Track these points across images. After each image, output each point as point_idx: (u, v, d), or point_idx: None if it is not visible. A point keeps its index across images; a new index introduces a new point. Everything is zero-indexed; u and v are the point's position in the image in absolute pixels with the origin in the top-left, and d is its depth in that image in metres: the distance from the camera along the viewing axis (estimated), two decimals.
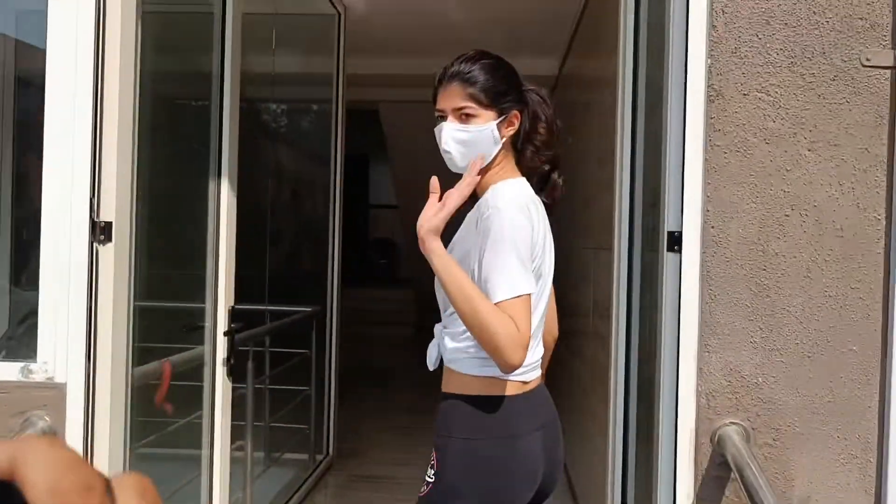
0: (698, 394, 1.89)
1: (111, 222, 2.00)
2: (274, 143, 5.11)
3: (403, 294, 11.23)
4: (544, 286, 1.71)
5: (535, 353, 1.71)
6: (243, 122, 2.72)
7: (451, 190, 1.62)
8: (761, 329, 1.88)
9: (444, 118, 1.69)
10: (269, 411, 4.07)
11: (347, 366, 5.10)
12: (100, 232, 1.98)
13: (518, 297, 1.52)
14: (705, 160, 1.88)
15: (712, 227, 1.88)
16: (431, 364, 1.76)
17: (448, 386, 1.71)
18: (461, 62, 1.68)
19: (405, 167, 8.41)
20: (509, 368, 1.54)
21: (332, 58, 4.92)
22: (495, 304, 1.52)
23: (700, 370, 1.89)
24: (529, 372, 1.69)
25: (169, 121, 2.64)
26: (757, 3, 1.85)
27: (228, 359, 2.64)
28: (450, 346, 1.70)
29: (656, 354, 2.01)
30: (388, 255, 13.86)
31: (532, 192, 1.73)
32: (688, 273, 1.90)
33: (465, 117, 1.66)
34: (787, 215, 1.87)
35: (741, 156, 1.87)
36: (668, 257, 1.95)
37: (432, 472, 1.65)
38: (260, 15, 4.27)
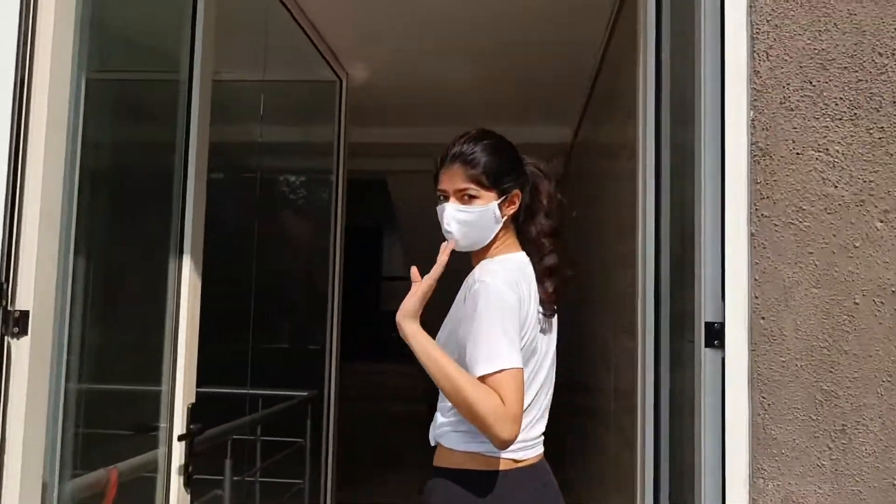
0: None
1: (28, 311, 1.66)
2: (267, 215, 4.82)
3: (417, 369, 10.77)
4: (542, 362, 1.69)
5: (535, 430, 1.67)
6: (227, 194, 2.41)
7: (427, 275, 1.63)
8: (830, 449, 1.48)
9: (446, 198, 1.71)
10: None
11: (353, 447, 4.67)
12: (13, 323, 1.64)
13: (502, 371, 1.49)
14: (751, 235, 1.52)
15: (762, 319, 1.50)
16: (432, 440, 1.73)
17: (436, 461, 1.68)
18: (463, 143, 1.70)
19: (415, 238, 8.13)
20: (502, 444, 1.50)
21: (333, 126, 4.66)
22: (478, 377, 1.50)
23: (753, 502, 1.48)
24: (524, 450, 1.64)
25: (122, 193, 2.32)
26: (809, 44, 1.52)
27: (186, 466, 2.25)
28: (439, 420, 1.70)
29: (694, 472, 1.61)
30: None
31: (527, 266, 1.70)
32: (733, 375, 1.51)
33: (467, 199, 1.67)
34: (856, 303, 1.49)
35: (796, 229, 1.51)
36: (706, 354, 1.57)
37: None
38: (252, 82, 4.04)
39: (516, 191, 1.71)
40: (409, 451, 8.17)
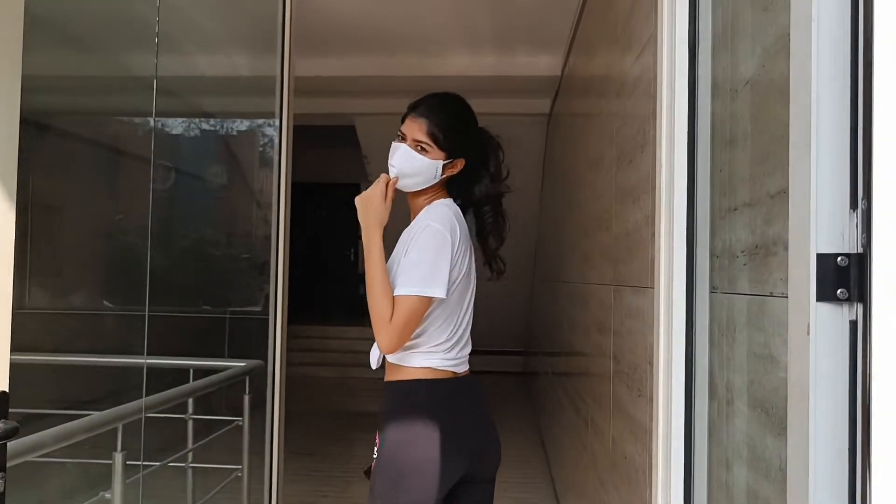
0: None
1: None
2: (171, 164, 4.12)
3: None
4: (467, 296, 1.97)
5: (466, 349, 1.99)
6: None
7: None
8: None
9: (403, 139, 1.98)
10: None
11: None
12: None
13: (408, 295, 1.81)
14: None
15: None
16: (374, 363, 1.98)
17: (388, 376, 1.98)
18: (438, 101, 2.00)
19: None
20: (381, 350, 1.88)
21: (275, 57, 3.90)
22: (395, 295, 1.82)
23: None
24: (461, 366, 1.97)
25: None
26: None
27: None
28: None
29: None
30: None
31: (457, 209, 1.99)
32: (884, 345, 0.83)
33: (420, 149, 1.95)
34: None
35: None
36: (818, 313, 0.88)
37: (375, 448, 1.92)
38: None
39: (461, 158, 1.98)
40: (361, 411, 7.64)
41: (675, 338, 1.43)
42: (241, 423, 3.68)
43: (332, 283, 12.60)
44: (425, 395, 1.88)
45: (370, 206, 1.91)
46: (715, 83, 1.47)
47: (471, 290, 1.99)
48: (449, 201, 1.99)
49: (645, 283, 2.04)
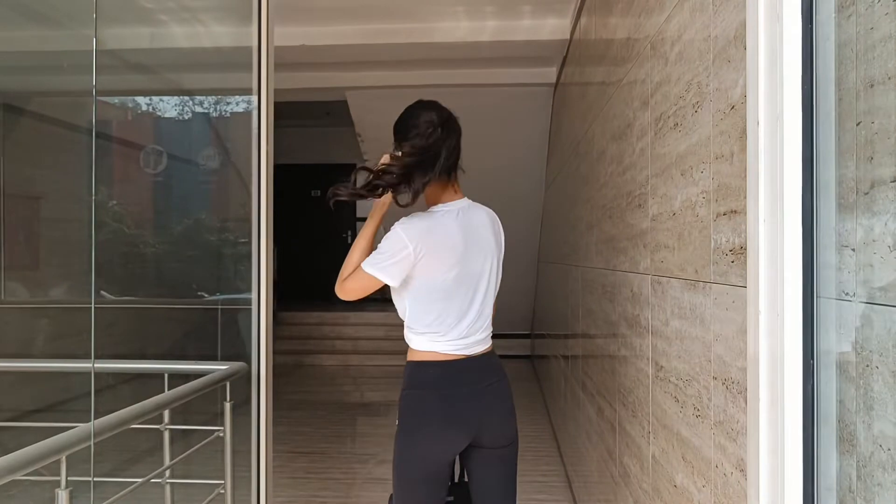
0: None
1: None
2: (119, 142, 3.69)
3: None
4: (462, 290, 2.28)
5: (459, 338, 2.29)
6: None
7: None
8: None
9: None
10: None
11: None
12: None
13: (364, 271, 2.22)
14: None
15: None
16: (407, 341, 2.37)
17: (408, 357, 2.35)
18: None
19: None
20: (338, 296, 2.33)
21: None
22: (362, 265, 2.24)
23: None
24: (454, 351, 2.28)
25: None
26: None
27: None
28: (406, 332, 2.35)
29: None
30: None
31: (448, 217, 2.29)
32: None
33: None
34: None
35: None
36: None
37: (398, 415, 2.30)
38: None
39: (401, 144, 2.27)
40: (386, 407, 7.27)
41: (787, 360, 1.01)
42: (222, 434, 3.28)
43: (330, 266, 12.17)
44: (418, 378, 2.27)
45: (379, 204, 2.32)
46: None
47: (470, 287, 2.29)
48: (438, 207, 2.30)
49: (704, 276, 1.61)
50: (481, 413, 2.26)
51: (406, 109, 2.30)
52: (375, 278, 2.20)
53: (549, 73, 6.17)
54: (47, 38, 4.34)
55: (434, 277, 2.22)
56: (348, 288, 2.25)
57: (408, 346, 2.33)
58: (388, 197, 2.21)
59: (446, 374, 2.25)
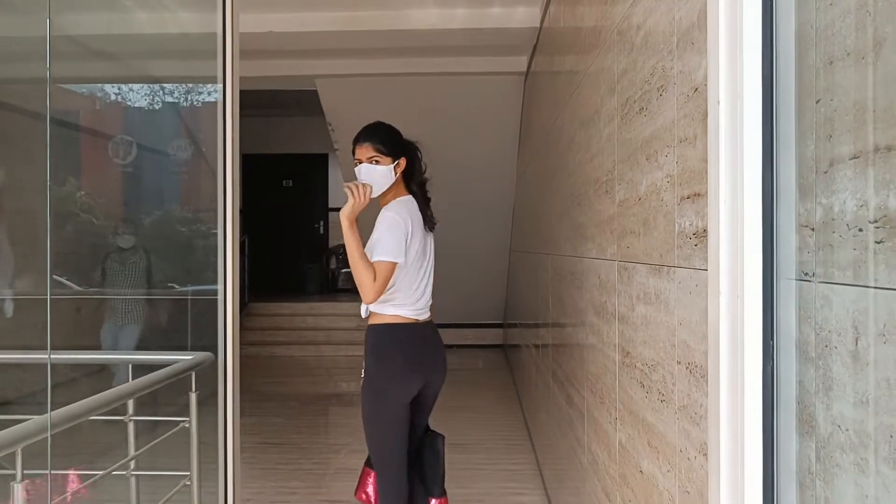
0: None
1: None
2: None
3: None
4: (426, 261, 2.84)
5: (423, 300, 2.84)
6: None
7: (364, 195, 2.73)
8: None
9: (360, 163, 2.79)
10: None
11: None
12: None
13: (383, 261, 2.62)
14: None
15: None
16: (363, 314, 2.84)
17: (370, 321, 2.82)
18: (370, 130, 2.83)
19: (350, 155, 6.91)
20: (366, 303, 2.71)
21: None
22: (374, 261, 2.62)
23: None
24: (421, 314, 2.82)
25: None
26: None
27: None
28: (378, 304, 2.77)
29: None
30: None
31: (413, 205, 2.83)
32: None
33: (374, 162, 2.77)
34: None
35: None
36: None
37: (363, 370, 2.80)
38: None
39: (402, 158, 2.82)
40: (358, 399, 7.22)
41: (747, 343, 1.00)
42: (187, 425, 3.22)
43: (302, 257, 12.04)
44: (391, 336, 2.76)
45: (346, 211, 2.68)
46: None
47: (427, 261, 2.84)
48: (407, 198, 2.82)
49: (669, 260, 1.60)
50: (434, 364, 2.86)
51: (391, 126, 2.84)
52: (396, 263, 2.63)
53: (520, 62, 6.15)
54: (4, 23, 4.23)
55: (416, 252, 2.73)
56: (379, 287, 2.61)
57: (372, 311, 2.78)
58: (360, 204, 2.67)
59: (413, 334, 2.78)
